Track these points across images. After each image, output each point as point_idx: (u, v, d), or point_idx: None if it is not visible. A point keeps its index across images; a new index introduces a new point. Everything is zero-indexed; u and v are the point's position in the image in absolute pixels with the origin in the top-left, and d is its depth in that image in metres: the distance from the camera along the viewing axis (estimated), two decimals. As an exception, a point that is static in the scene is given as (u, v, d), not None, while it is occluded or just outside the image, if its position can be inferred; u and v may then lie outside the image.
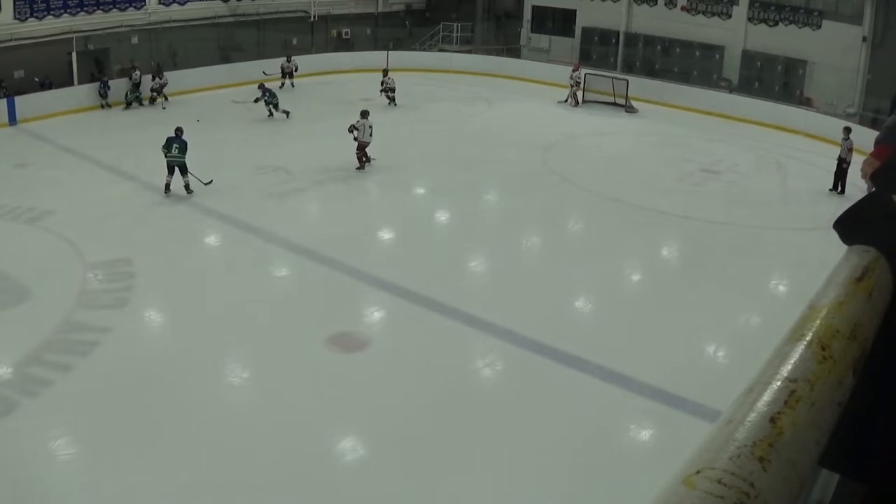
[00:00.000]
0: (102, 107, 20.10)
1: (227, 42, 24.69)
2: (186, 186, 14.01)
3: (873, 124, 18.34)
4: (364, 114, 15.65)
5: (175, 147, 13.88)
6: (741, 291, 11.19)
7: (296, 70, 23.44)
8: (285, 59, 23.51)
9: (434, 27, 29.10)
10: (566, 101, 22.87)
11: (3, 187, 14.10)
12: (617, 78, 23.41)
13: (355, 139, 15.53)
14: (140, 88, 20.55)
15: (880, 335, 1.12)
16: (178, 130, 14.22)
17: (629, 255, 12.68)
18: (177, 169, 13.88)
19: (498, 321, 9.75)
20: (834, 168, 15.93)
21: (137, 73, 20.49)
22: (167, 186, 13.94)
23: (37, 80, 20.03)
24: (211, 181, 14.22)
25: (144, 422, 7.55)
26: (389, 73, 21.76)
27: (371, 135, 15.54)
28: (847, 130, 15.97)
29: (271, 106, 19.51)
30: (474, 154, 17.18)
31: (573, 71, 22.99)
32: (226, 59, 24.15)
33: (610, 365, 8.83)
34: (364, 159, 15.71)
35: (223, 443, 7.31)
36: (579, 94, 22.97)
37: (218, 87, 20.65)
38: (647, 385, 8.45)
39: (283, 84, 22.85)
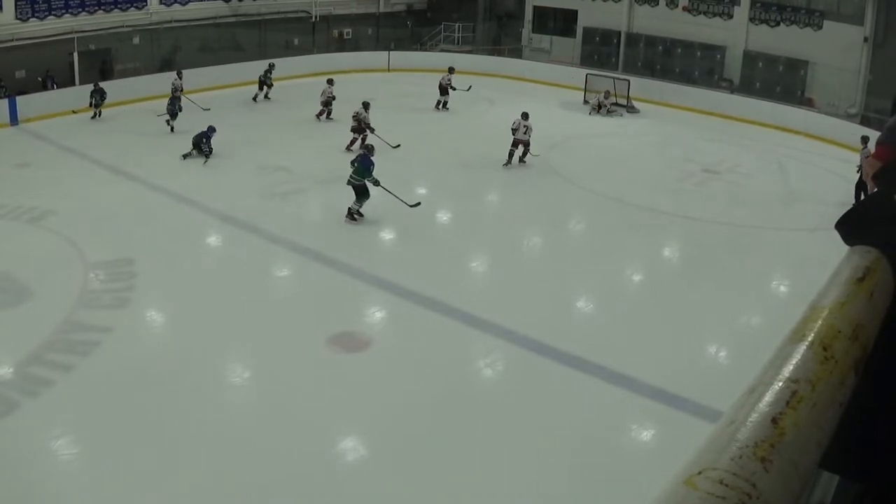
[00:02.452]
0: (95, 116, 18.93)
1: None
2: (350, 213, 12.88)
3: (873, 124, 18.32)
4: (525, 116, 16.24)
5: (353, 165, 12.98)
6: (741, 291, 11.19)
7: (451, 87, 20.64)
8: (447, 71, 21.02)
9: (435, 27, 29.10)
10: (598, 111, 22.30)
11: (4, 187, 14.10)
12: (618, 78, 23.39)
13: (516, 138, 16.13)
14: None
15: (882, 336, 1.12)
16: (368, 148, 13.37)
17: (630, 255, 12.67)
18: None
19: (498, 321, 9.75)
20: (855, 179, 14.28)
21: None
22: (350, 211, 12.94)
23: (39, 79, 20.03)
24: (419, 203, 13.28)
25: (145, 422, 7.56)
26: (334, 82, 18.76)
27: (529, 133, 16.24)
28: (865, 140, 14.17)
29: (201, 149, 15.84)
30: (476, 154, 17.18)
31: (604, 98, 22.25)
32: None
33: (610, 365, 8.83)
34: (519, 155, 16.31)
35: (223, 443, 7.31)
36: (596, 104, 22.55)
37: (226, 86, 20.63)
38: (647, 385, 8.45)
39: (439, 103, 20.79)
